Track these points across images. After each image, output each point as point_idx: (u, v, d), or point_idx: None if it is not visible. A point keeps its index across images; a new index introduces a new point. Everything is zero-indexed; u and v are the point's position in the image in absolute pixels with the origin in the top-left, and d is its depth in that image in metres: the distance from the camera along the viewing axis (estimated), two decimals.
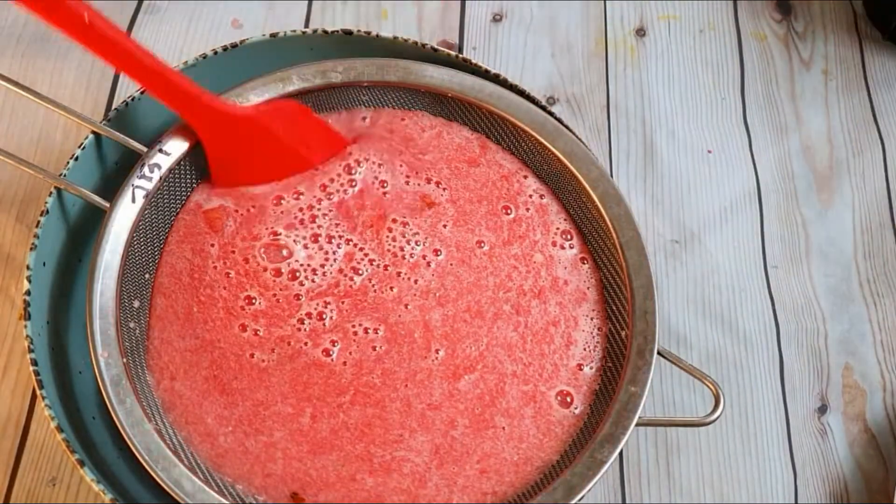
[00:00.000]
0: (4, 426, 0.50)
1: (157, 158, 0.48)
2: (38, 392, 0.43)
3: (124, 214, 0.46)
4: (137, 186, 0.47)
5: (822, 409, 0.55)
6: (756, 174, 0.61)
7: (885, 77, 0.65)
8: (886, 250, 0.59)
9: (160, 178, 0.48)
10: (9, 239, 0.55)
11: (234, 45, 0.52)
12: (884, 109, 0.64)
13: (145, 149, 0.48)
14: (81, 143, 0.48)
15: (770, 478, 0.53)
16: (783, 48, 0.66)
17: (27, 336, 0.44)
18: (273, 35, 0.52)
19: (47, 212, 0.46)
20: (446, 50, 0.53)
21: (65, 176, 0.47)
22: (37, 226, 0.46)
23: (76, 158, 0.48)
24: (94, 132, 0.48)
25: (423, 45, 0.52)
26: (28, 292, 0.45)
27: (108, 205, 0.47)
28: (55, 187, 0.47)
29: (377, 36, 0.52)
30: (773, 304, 0.57)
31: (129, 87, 0.60)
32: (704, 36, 0.66)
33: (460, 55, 0.52)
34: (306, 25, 0.63)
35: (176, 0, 0.63)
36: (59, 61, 0.60)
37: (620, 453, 0.52)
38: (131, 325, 0.45)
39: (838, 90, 0.65)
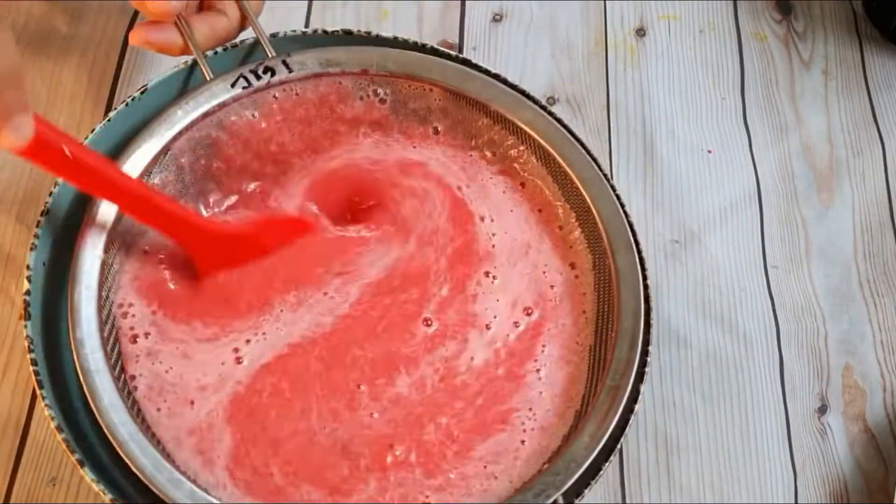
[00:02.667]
0: (4, 426, 0.50)
1: (278, 68, 0.50)
2: (38, 392, 0.43)
3: (218, 89, 0.49)
4: (245, 76, 0.49)
5: (822, 409, 0.55)
6: (756, 174, 0.61)
7: (885, 77, 0.65)
8: (886, 250, 0.59)
9: (266, 84, 0.49)
10: (9, 239, 0.55)
11: (234, 45, 0.52)
12: (884, 109, 0.64)
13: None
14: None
15: (770, 478, 0.53)
16: (783, 48, 0.66)
17: (27, 336, 0.44)
18: (273, 35, 0.52)
19: (47, 212, 0.46)
20: (446, 50, 0.53)
21: None
22: (37, 226, 0.46)
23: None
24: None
25: (423, 46, 0.52)
26: (28, 292, 0.45)
27: (210, 76, 0.49)
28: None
29: (377, 36, 0.52)
30: (773, 304, 0.57)
31: (129, 88, 0.60)
32: (704, 36, 0.66)
33: (460, 55, 0.52)
34: (306, 25, 0.63)
35: None
36: (58, 61, 0.60)
37: (620, 453, 0.52)
38: (156, 180, 0.48)
39: (838, 90, 0.65)
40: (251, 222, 0.50)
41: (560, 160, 0.50)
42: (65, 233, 0.47)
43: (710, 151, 0.62)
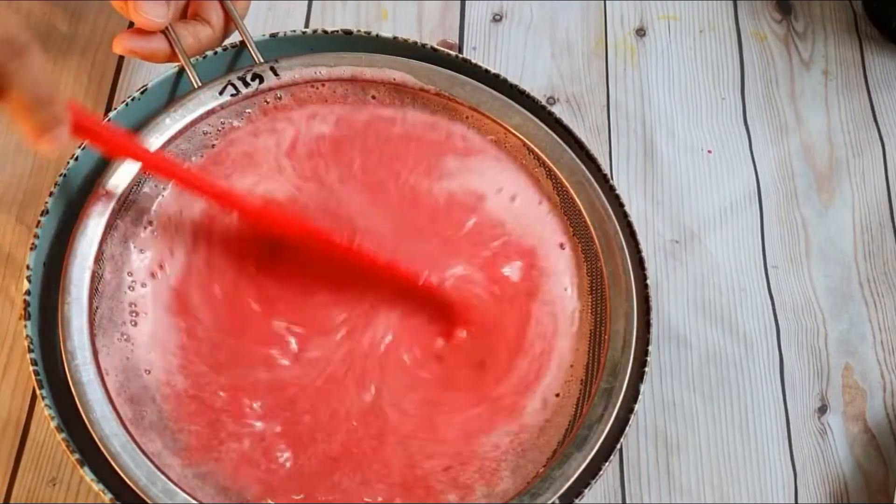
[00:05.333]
0: (4, 426, 0.50)
1: (266, 74, 0.50)
2: (38, 392, 0.43)
3: (206, 97, 0.49)
4: (233, 83, 0.49)
5: (822, 409, 0.55)
6: (756, 174, 0.61)
7: (885, 77, 0.65)
8: (886, 250, 0.59)
9: (255, 91, 0.49)
10: (9, 239, 0.55)
11: (234, 45, 0.52)
12: (884, 109, 0.64)
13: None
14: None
15: (770, 478, 0.53)
16: (783, 48, 0.66)
17: (27, 336, 0.44)
18: (273, 35, 0.52)
19: (47, 212, 0.46)
20: (446, 50, 0.53)
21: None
22: (37, 226, 0.46)
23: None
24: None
25: (423, 45, 0.52)
26: (28, 292, 0.45)
27: (199, 84, 0.49)
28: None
29: (377, 36, 0.52)
30: (773, 304, 0.57)
31: (129, 87, 0.60)
32: (704, 36, 0.66)
33: (460, 55, 0.52)
34: (306, 25, 0.63)
35: None
36: (59, 61, 0.60)
37: (620, 453, 0.52)
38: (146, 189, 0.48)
39: (838, 90, 0.65)
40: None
41: (550, 163, 0.50)
42: (65, 233, 0.47)
43: (710, 151, 0.62)
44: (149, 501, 0.41)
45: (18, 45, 0.37)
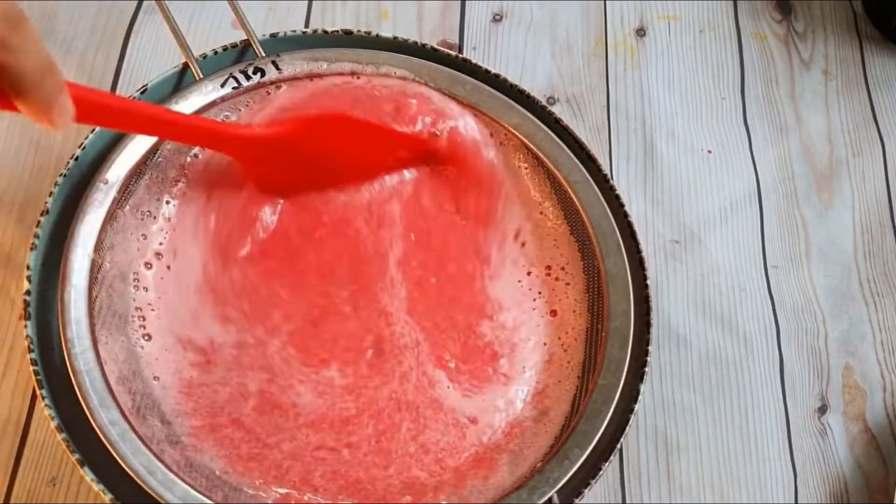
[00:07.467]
0: (4, 426, 0.50)
1: (267, 68, 0.50)
2: (38, 392, 0.43)
3: (207, 89, 0.49)
4: (235, 76, 0.50)
5: (822, 409, 0.55)
6: (756, 174, 0.61)
7: (885, 77, 0.65)
8: (886, 250, 0.59)
9: (256, 84, 0.50)
10: (9, 239, 0.55)
11: (234, 45, 0.52)
12: (884, 109, 0.64)
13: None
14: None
15: (770, 478, 0.53)
16: (783, 48, 0.66)
17: (27, 336, 0.44)
18: (273, 35, 0.52)
19: (47, 212, 0.46)
20: (446, 50, 0.53)
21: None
22: (37, 226, 0.46)
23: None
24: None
25: (423, 46, 0.52)
26: (28, 292, 0.45)
27: (200, 76, 0.50)
28: None
29: (377, 36, 0.52)
30: (773, 304, 0.57)
31: (129, 87, 0.60)
32: (704, 36, 0.66)
33: (460, 55, 0.52)
34: (306, 25, 0.63)
35: (176, 0, 0.63)
36: (58, 61, 0.60)
37: (620, 453, 0.52)
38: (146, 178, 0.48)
39: (838, 90, 0.65)
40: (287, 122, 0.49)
41: (549, 163, 0.50)
42: (65, 233, 0.47)
43: (710, 151, 0.62)
44: (148, 491, 0.41)
45: (16, 16, 0.34)
